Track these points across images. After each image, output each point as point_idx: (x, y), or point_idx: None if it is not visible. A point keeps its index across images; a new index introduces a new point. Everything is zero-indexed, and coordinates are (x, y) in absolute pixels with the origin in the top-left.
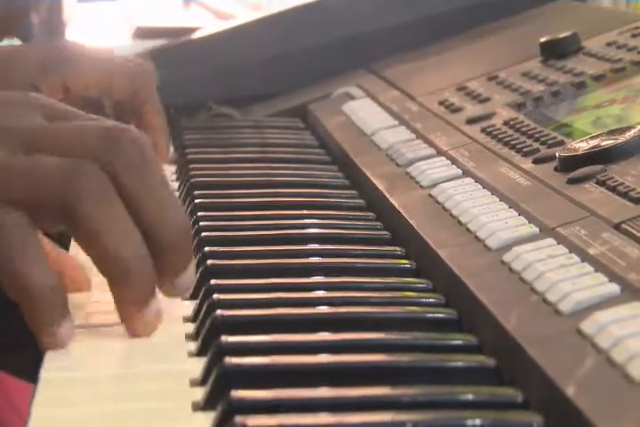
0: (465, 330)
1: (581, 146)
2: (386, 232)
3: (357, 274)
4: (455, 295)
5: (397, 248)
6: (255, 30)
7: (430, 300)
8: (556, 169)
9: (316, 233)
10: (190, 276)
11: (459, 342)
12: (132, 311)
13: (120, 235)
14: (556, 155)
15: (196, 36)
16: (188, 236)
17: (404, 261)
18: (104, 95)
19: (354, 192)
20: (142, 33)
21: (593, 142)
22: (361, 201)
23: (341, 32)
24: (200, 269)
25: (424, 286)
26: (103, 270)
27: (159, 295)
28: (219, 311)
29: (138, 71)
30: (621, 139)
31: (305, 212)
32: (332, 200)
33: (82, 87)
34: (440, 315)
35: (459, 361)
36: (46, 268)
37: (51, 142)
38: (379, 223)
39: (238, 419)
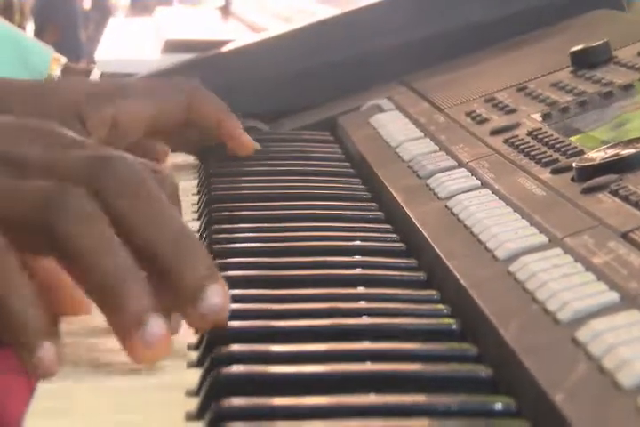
0: (468, 340)
1: (599, 155)
2: (401, 244)
3: (365, 285)
4: (461, 306)
5: (410, 260)
6: (285, 43)
7: (434, 309)
8: (572, 179)
9: (326, 245)
10: (217, 296)
11: (457, 352)
12: (129, 332)
13: (104, 251)
14: (573, 165)
15: (224, 49)
16: (189, 249)
17: (415, 274)
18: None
19: (373, 204)
20: (171, 47)
21: (610, 152)
22: (380, 213)
23: (374, 44)
24: None
25: (432, 297)
26: (91, 292)
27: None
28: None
29: (181, 91)
30: (638, 148)
31: (318, 224)
32: (349, 213)
33: (132, 120)
34: (442, 325)
35: (454, 371)
36: (24, 289)
37: (40, 169)
38: (395, 235)
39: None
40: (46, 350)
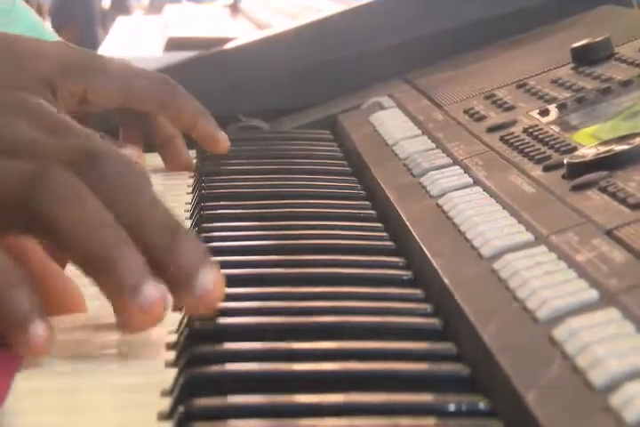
0: (449, 339)
1: (591, 152)
2: (390, 243)
3: (350, 284)
4: (444, 304)
5: (398, 259)
6: (288, 41)
7: (418, 308)
8: (563, 177)
9: (313, 243)
10: (209, 280)
11: (436, 351)
12: (125, 299)
13: (96, 223)
14: (564, 162)
15: (226, 47)
16: (180, 235)
17: (402, 272)
18: (125, 106)
19: (367, 203)
20: (174, 44)
21: (602, 149)
22: (372, 212)
23: (377, 42)
24: None
25: (417, 296)
26: (82, 264)
27: None
28: (198, 322)
29: (158, 84)
30: (630, 145)
31: (308, 222)
32: (340, 211)
33: (102, 99)
34: (424, 324)
35: (431, 370)
36: (11, 271)
37: (26, 151)
38: (384, 234)
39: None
40: (38, 330)
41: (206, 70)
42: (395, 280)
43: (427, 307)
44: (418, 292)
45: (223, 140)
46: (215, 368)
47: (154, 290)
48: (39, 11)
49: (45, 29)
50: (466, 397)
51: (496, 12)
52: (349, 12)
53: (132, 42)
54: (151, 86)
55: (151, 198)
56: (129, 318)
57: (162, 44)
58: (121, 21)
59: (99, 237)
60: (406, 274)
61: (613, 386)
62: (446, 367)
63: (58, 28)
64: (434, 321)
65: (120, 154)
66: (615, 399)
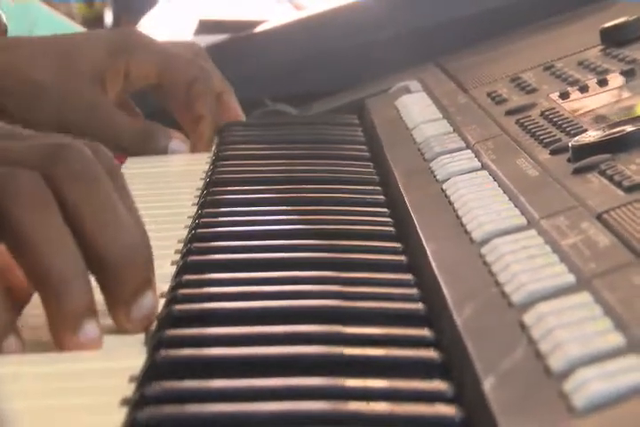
0: (432, 325)
1: (597, 134)
2: (391, 228)
3: (343, 269)
4: (430, 289)
5: (395, 244)
6: (320, 24)
7: (406, 294)
8: (568, 160)
9: (314, 228)
10: (147, 307)
11: (413, 338)
12: (63, 334)
13: (53, 242)
14: (569, 144)
15: (256, 30)
16: (136, 261)
17: (397, 258)
18: (160, 84)
19: (378, 188)
20: (205, 27)
21: (609, 131)
22: (381, 197)
23: (410, 24)
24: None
25: (408, 281)
26: (33, 282)
27: None
28: (175, 306)
29: (195, 61)
30: (637, 126)
31: (313, 208)
32: (348, 196)
33: (142, 74)
34: (408, 310)
35: (403, 355)
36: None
37: None
38: (389, 220)
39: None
40: (9, 343)
41: (235, 54)
42: (388, 265)
43: (414, 292)
44: (408, 277)
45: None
46: (177, 353)
47: (92, 331)
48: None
49: (67, 24)
50: (430, 383)
51: None
52: None
53: (164, 25)
54: (185, 62)
55: (112, 206)
56: (62, 347)
57: (193, 27)
58: (160, 5)
59: (57, 263)
60: (401, 259)
61: (569, 371)
62: (417, 353)
63: (118, 15)
64: (418, 306)
65: (86, 148)
66: (568, 385)
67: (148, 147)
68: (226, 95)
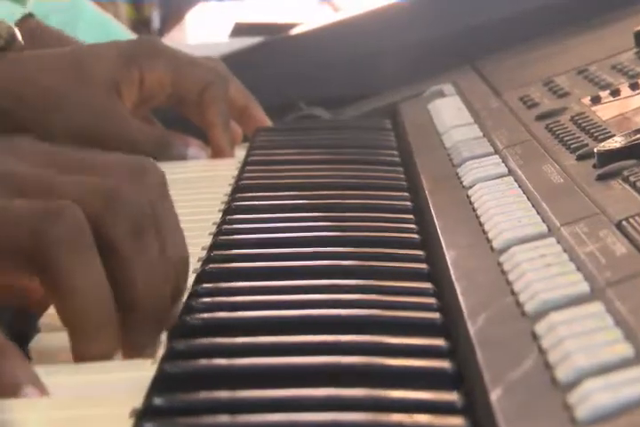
0: (448, 335)
1: (622, 140)
2: (415, 236)
3: (364, 277)
4: (448, 298)
5: (418, 252)
6: (355, 26)
7: (424, 303)
8: (594, 166)
9: (336, 236)
10: (153, 345)
11: (427, 347)
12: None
13: (90, 288)
14: (594, 150)
15: (292, 33)
16: (165, 310)
17: (418, 266)
18: (175, 93)
19: (405, 194)
20: (240, 30)
21: (635, 136)
22: (408, 204)
23: (446, 26)
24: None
25: (427, 290)
26: (63, 321)
27: None
28: (189, 316)
29: (210, 67)
30: None
31: (338, 214)
32: (375, 202)
33: (155, 81)
34: (424, 320)
35: (416, 366)
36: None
37: (42, 191)
38: (414, 226)
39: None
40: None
41: (270, 57)
42: (409, 273)
43: (433, 302)
44: (428, 286)
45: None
46: (185, 364)
47: None
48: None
49: (112, 23)
50: (442, 394)
51: None
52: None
53: (200, 28)
54: (198, 69)
55: (152, 267)
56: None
57: (229, 29)
58: (198, 8)
59: (91, 310)
60: (422, 267)
61: (576, 382)
62: (429, 364)
63: (165, 15)
64: (435, 316)
65: (131, 194)
66: (572, 396)
67: (165, 154)
68: (251, 108)
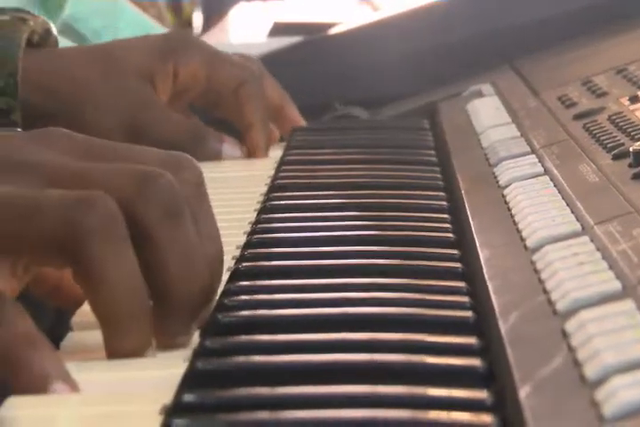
0: (481, 333)
1: None
2: (450, 235)
3: (399, 275)
4: (481, 297)
5: (453, 251)
6: (391, 26)
7: (457, 302)
8: (630, 165)
9: (372, 235)
10: (191, 335)
11: (459, 346)
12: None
13: (123, 280)
14: (630, 150)
15: (330, 32)
16: (200, 302)
17: (453, 265)
18: (209, 88)
19: (442, 194)
20: (279, 29)
21: None
22: (444, 203)
23: (486, 26)
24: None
25: (461, 289)
26: (96, 314)
27: None
28: (220, 314)
29: (245, 65)
30: None
31: (374, 213)
32: (411, 202)
33: (189, 75)
34: (456, 318)
35: (445, 363)
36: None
37: (74, 180)
38: (449, 226)
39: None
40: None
41: (308, 56)
42: (444, 272)
43: (466, 300)
44: (462, 285)
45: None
46: (215, 362)
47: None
48: (192, 1)
49: (149, 22)
50: (472, 391)
51: None
52: None
53: (241, 27)
54: (233, 66)
55: (189, 254)
56: None
57: (267, 28)
58: (239, 7)
59: (124, 302)
60: (456, 266)
61: (603, 379)
62: (461, 362)
63: (208, 17)
64: (467, 314)
65: (169, 181)
66: (600, 393)
67: (199, 148)
68: (286, 108)
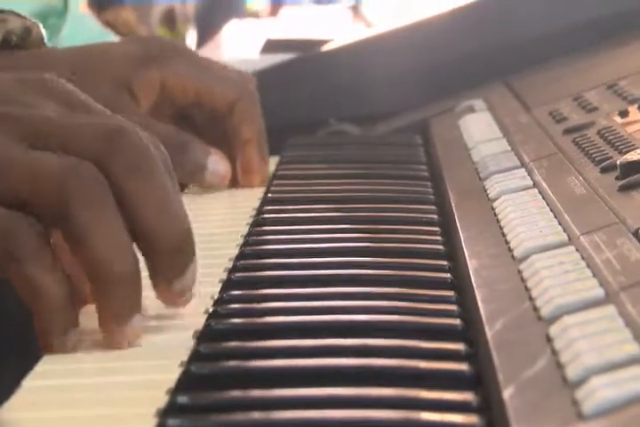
0: (468, 340)
1: None
2: (440, 247)
3: (389, 285)
4: (469, 306)
5: (442, 262)
6: (384, 43)
7: (446, 310)
8: (616, 178)
9: (364, 247)
10: (187, 281)
11: (447, 352)
12: (112, 325)
13: (108, 240)
14: (617, 162)
15: (322, 49)
16: (186, 243)
17: (442, 275)
18: (199, 102)
19: (432, 208)
20: (271, 46)
21: None
22: (434, 217)
23: (480, 43)
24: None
25: (449, 298)
26: (87, 273)
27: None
28: (213, 322)
29: (239, 81)
30: None
31: (364, 226)
32: (402, 215)
33: (178, 87)
34: (444, 325)
35: (435, 367)
36: (58, 275)
37: (54, 138)
38: (439, 238)
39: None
40: (72, 337)
41: (301, 73)
42: (434, 282)
43: (454, 309)
44: (451, 294)
45: (261, 174)
46: (211, 364)
47: (138, 323)
48: (185, 18)
49: (109, 35)
50: (460, 394)
51: (607, 11)
52: (449, 15)
53: (232, 44)
54: (226, 81)
55: (166, 199)
56: (108, 339)
57: (260, 46)
58: (232, 24)
59: (112, 259)
60: (445, 277)
61: (584, 380)
62: (449, 366)
63: (202, 35)
64: (456, 322)
65: (143, 134)
66: (580, 392)
67: (183, 159)
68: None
